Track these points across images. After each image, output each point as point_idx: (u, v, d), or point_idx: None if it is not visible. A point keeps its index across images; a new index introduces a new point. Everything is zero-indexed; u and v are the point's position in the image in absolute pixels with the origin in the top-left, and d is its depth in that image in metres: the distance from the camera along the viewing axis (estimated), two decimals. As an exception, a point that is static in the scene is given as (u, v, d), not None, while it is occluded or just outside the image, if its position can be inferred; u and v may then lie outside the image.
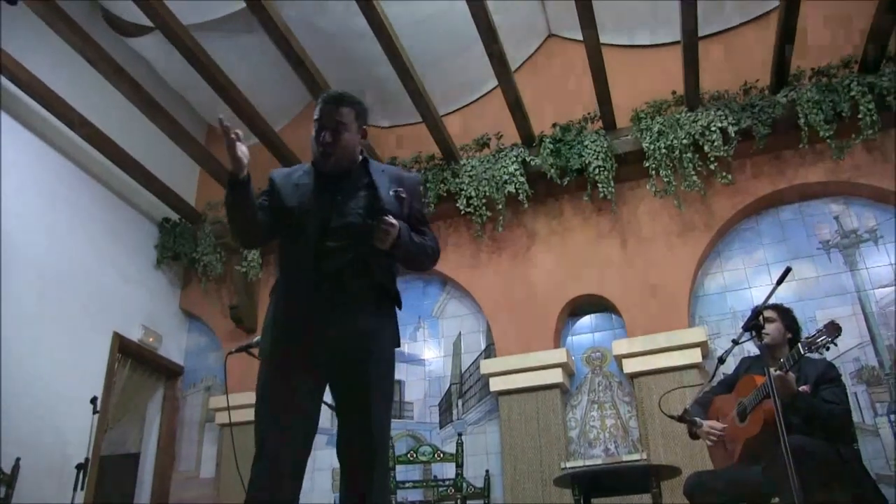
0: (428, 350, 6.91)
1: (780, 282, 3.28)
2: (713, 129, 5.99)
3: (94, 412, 5.71)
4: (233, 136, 2.65)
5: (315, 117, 2.86)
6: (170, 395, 7.48)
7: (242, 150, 2.68)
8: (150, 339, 7.18)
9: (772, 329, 3.89)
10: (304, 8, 6.55)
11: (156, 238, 7.62)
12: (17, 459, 5.32)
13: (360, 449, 2.65)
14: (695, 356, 5.76)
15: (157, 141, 6.83)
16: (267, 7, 5.44)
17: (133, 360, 7.08)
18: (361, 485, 2.62)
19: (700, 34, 5.70)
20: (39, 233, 6.13)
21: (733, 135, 5.92)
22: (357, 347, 2.68)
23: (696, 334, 5.84)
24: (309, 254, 2.71)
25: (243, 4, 5.56)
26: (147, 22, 5.96)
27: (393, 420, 6.51)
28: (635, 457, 5.71)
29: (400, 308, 2.89)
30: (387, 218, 2.67)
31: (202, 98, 7.43)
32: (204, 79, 6.14)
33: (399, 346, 2.88)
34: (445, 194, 6.65)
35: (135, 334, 7.01)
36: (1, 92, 5.92)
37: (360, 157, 2.93)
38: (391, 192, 2.85)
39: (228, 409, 2.48)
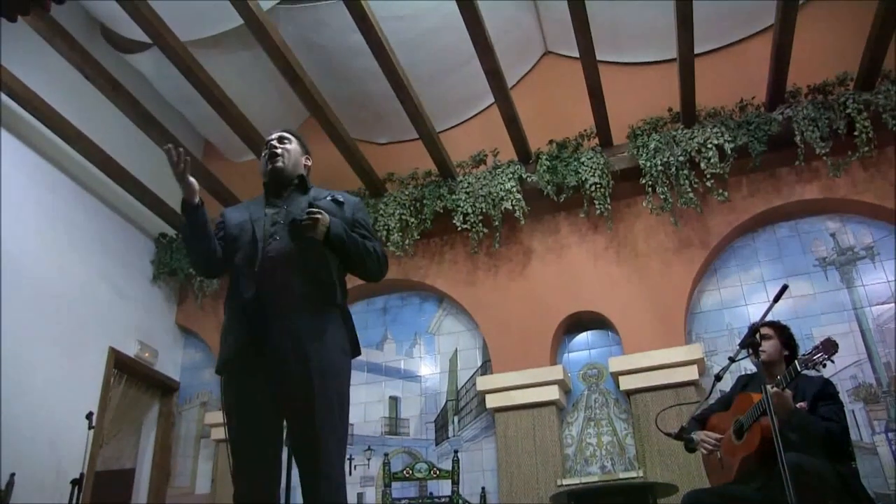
0: (424, 366, 6.87)
1: (776, 299, 3.26)
2: (709, 145, 5.98)
3: (90, 427, 5.66)
4: (182, 164, 2.80)
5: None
6: (165, 411, 7.42)
7: (192, 178, 2.85)
8: (146, 355, 7.14)
9: (768, 346, 3.86)
10: (300, 25, 6.56)
11: (152, 253, 7.61)
12: (12, 475, 5.29)
13: (304, 461, 2.66)
14: (691, 373, 5.72)
15: (154, 156, 6.74)
16: (264, 24, 5.43)
17: (129, 375, 7.03)
18: (308, 497, 2.63)
19: (696, 51, 5.69)
20: (36, 248, 6.10)
21: (729, 152, 5.91)
22: (296, 352, 2.70)
23: (693, 351, 5.80)
24: (253, 260, 2.83)
25: (241, 21, 5.55)
26: (145, 38, 5.93)
27: (390, 437, 6.63)
28: (632, 474, 5.67)
29: (340, 310, 2.91)
30: (314, 208, 2.81)
31: (199, 114, 7.42)
32: (201, 94, 6.12)
33: (358, 354, 2.95)
34: (442, 211, 6.61)
35: (131, 349, 6.97)
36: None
37: (302, 176, 3.17)
38: (328, 198, 3.06)
39: (225, 424, 2.55)
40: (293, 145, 3.20)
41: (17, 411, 5.57)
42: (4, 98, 5.89)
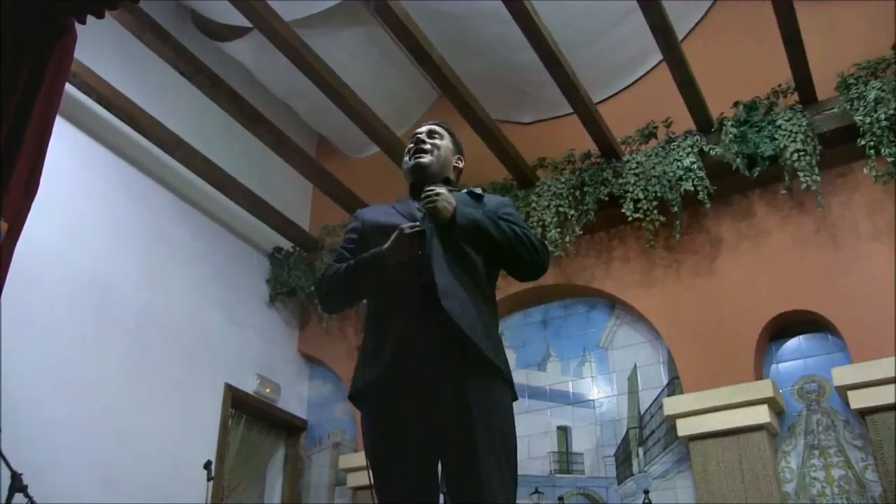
0: (597, 388, 6.60)
1: None
2: (954, 88, 5.38)
3: (209, 479, 5.65)
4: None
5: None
6: (292, 455, 7.43)
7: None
8: (267, 390, 7.16)
9: None
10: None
11: (267, 271, 7.65)
12: (132, 534, 5.39)
13: None
14: (953, 384, 5.13)
15: (263, 159, 6.97)
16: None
17: (248, 415, 7.09)
18: None
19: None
20: (136, 273, 6.18)
21: None
22: (455, 407, 2.59)
23: (954, 355, 5.20)
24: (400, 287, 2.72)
25: (352, -7, 5.42)
26: (242, 22, 5.94)
27: (561, 475, 6.36)
28: (880, 519, 5.16)
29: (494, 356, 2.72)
30: (428, 189, 2.74)
31: (311, 105, 7.50)
32: (313, 82, 6.09)
33: (515, 398, 2.81)
34: (607, 198, 6.35)
35: (249, 385, 7.01)
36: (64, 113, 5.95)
37: (449, 178, 3.12)
38: (465, 191, 2.99)
39: (368, 468, 2.51)
40: (444, 141, 3.13)
41: (126, 462, 5.64)
42: (93, 104, 5.96)
